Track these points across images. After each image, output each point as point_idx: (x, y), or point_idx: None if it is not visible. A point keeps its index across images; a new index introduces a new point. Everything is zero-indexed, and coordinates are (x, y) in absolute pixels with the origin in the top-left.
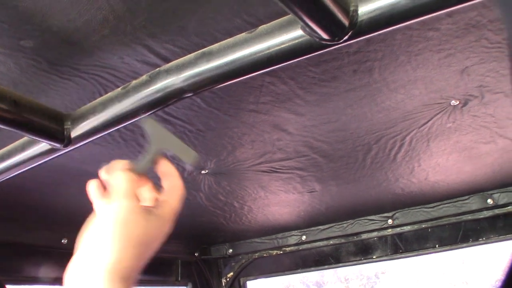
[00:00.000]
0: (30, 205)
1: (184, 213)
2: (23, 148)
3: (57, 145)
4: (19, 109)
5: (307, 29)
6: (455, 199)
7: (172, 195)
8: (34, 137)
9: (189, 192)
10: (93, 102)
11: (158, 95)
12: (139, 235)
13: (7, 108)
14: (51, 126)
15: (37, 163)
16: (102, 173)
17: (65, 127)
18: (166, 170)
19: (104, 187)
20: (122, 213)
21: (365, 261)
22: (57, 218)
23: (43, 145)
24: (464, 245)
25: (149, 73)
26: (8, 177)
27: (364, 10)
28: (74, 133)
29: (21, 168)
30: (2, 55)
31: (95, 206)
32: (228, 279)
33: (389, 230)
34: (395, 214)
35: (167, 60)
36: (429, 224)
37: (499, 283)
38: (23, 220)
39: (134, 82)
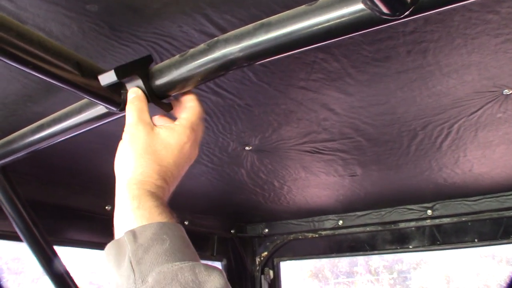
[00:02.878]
0: (77, 170)
1: (224, 189)
2: (80, 110)
3: (114, 109)
4: (81, 71)
5: (369, 2)
6: (498, 194)
7: (188, 111)
8: (92, 100)
9: (231, 168)
10: (150, 68)
11: (215, 63)
12: (144, 146)
13: (70, 69)
14: (109, 90)
15: (92, 126)
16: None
17: (122, 91)
18: (182, 100)
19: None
20: (126, 134)
21: (400, 250)
22: (102, 184)
23: (100, 108)
24: (505, 241)
25: (207, 42)
26: (63, 138)
27: None
28: None
29: (77, 130)
30: (68, 18)
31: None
32: (262, 258)
33: (428, 221)
34: (435, 205)
35: (224, 31)
36: (469, 217)
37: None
38: (70, 184)
39: (192, 50)
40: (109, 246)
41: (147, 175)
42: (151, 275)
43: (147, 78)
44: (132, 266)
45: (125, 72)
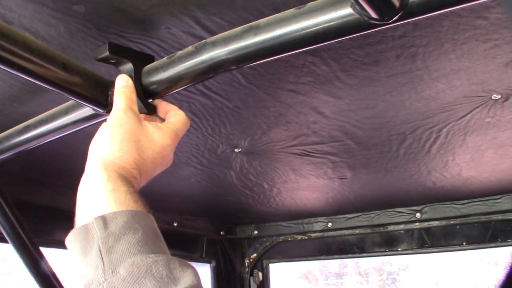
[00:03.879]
0: (65, 171)
1: (214, 191)
2: (66, 112)
3: (101, 111)
4: (67, 73)
5: (357, 7)
6: (486, 198)
7: (176, 117)
8: (79, 101)
9: (220, 170)
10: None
11: (203, 66)
12: (129, 132)
13: (56, 70)
14: (96, 91)
15: (79, 128)
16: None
17: (109, 93)
18: (167, 107)
19: None
20: (113, 118)
21: (389, 253)
22: None
23: (87, 109)
24: (492, 245)
25: (195, 44)
26: (50, 139)
27: None
28: None
29: (63, 132)
30: (54, 19)
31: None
32: (251, 260)
33: (417, 223)
34: (424, 208)
35: (213, 33)
36: (457, 221)
37: (499, 283)
38: (57, 185)
39: (179, 52)
40: (74, 232)
41: (125, 161)
42: (123, 266)
43: (139, 74)
44: (101, 254)
45: (118, 51)
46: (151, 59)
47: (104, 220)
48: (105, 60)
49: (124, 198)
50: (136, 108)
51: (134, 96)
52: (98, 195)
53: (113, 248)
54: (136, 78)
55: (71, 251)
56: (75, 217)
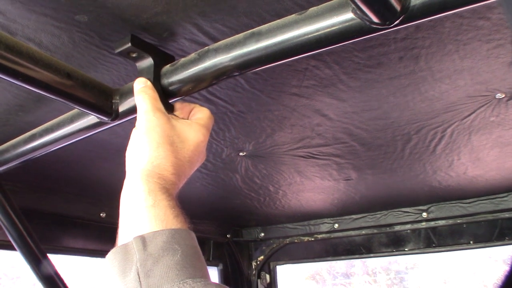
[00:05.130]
0: (72, 178)
1: (219, 194)
2: (71, 120)
3: (105, 119)
4: (71, 82)
5: (358, 12)
6: (493, 196)
7: (202, 113)
8: (83, 110)
9: (225, 174)
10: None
11: (206, 73)
12: (162, 135)
13: (60, 80)
14: (101, 100)
15: (84, 136)
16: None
17: (113, 101)
18: (189, 105)
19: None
20: (143, 121)
21: (396, 253)
22: (97, 192)
23: (91, 118)
24: (499, 243)
25: (197, 51)
26: (55, 148)
27: None
28: (122, 108)
29: (69, 140)
30: (58, 29)
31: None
32: (258, 263)
33: (423, 223)
34: (430, 207)
35: (215, 40)
36: (464, 219)
37: (499, 283)
38: (64, 192)
39: (182, 59)
40: (114, 251)
41: (163, 168)
42: None
43: (159, 72)
44: (139, 278)
45: (140, 45)
46: (171, 59)
47: (143, 241)
48: (125, 53)
49: (164, 214)
50: (162, 107)
51: (156, 95)
52: (139, 211)
53: (151, 272)
54: (156, 76)
55: (110, 270)
56: (118, 231)
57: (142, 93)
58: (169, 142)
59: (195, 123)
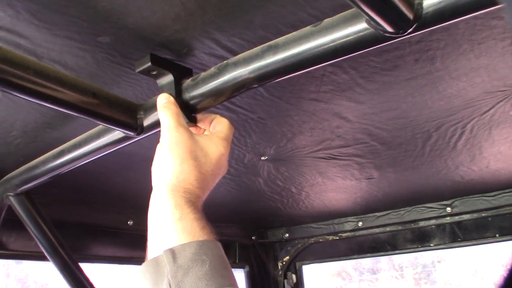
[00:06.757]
0: (99, 188)
1: (243, 198)
2: (98, 136)
3: (131, 133)
4: (97, 101)
5: (372, 22)
6: None
7: (222, 125)
8: (110, 126)
9: (248, 178)
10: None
11: (226, 86)
12: (186, 151)
13: (87, 100)
14: (126, 115)
15: (111, 150)
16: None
17: (138, 116)
18: (209, 117)
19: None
20: (168, 138)
21: (422, 249)
22: (123, 201)
23: (117, 133)
24: None
25: (217, 65)
26: (83, 163)
27: (429, 3)
28: (147, 122)
29: (96, 155)
30: (81, 50)
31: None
32: (284, 263)
33: (448, 218)
34: (454, 202)
35: (233, 53)
36: (489, 213)
37: (501, 280)
38: (92, 202)
39: (203, 74)
40: (146, 264)
41: (189, 182)
42: None
43: (180, 87)
44: None
45: (160, 63)
46: (190, 73)
47: (173, 253)
48: (146, 71)
49: (191, 227)
50: (184, 122)
51: (179, 110)
52: (168, 224)
53: (182, 283)
54: (177, 91)
55: (143, 282)
56: (147, 244)
57: (165, 109)
58: (193, 157)
59: (216, 136)
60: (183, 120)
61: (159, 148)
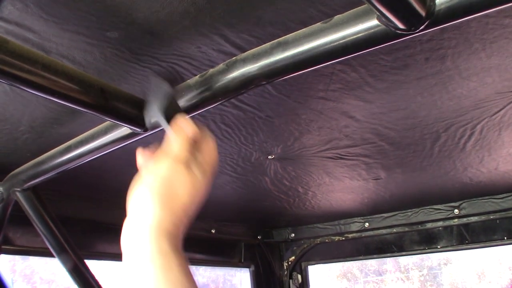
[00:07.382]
0: (105, 185)
1: (249, 197)
2: (105, 132)
3: (138, 130)
4: (105, 97)
5: (383, 19)
6: None
7: (208, 154)
8: (117, 122)
9: (255, 177)
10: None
11: (235, 82)
12: (181, 192)
13: (95, 95)
14: (133, 111)
15: (117, 146)
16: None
17: (145, 112)
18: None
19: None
20: (165, 172)
21: (429, 250)
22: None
23: (124, 129)
24: None
25: (226, 62)
26: (90, 159)
27: (441, 0)
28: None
29: (103, 151)
30: (90, 45)
31: (141, 167)
32: (289, 263)
33: (455, 220)
34: (462, 204)
35: (242, 49)
36: (497, 215)
37: (509, 283)
38: (98, 199)
39: (211, 70)
40: None
41: (177, 225)
42: None
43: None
44: None
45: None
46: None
47: None
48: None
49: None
50: (188, 155)
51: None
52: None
53: None
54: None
55: None
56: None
57: (184, 135)
58: (182, 200)
59: (206, 163)
60: (187, 152)
61: (146, 176)
